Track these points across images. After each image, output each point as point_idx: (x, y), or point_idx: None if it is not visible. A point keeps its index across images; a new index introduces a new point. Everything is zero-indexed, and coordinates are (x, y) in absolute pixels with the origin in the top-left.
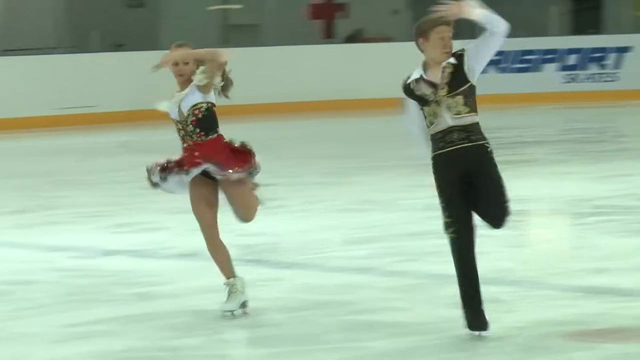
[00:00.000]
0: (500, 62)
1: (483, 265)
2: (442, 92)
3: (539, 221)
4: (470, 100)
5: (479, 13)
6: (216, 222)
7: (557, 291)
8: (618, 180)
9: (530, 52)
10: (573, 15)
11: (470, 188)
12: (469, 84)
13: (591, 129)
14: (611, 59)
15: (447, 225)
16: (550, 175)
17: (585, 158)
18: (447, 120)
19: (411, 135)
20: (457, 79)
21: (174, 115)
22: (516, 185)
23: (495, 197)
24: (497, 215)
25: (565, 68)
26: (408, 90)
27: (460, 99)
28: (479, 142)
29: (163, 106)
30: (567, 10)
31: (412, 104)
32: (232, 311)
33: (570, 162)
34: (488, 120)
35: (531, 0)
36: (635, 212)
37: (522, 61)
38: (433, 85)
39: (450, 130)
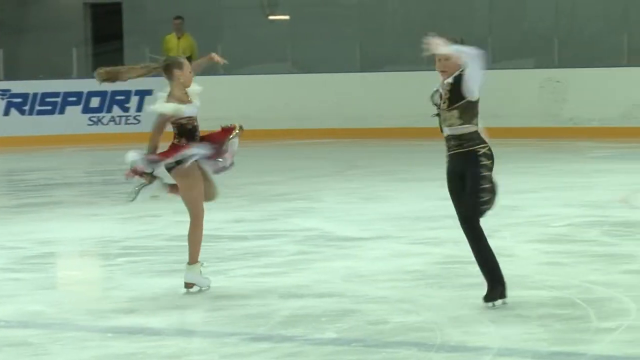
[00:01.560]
0: (23, 104)
1: (10, 309)
2: (444, 105)
3: (68, 263)
4: (466, 114)
5: (446, 50)
6: None
7: (88, 332)
8: (144, 221)
9: (54, 94)
10: (95, 58)
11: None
12: (465, 100)
13: (116, 171)
14: (133, 101)
15: None
16: (77, 217)
17: (112, 200)
18: (445, 129)
19: None
20: (455, 95)
21: (194, 113)
22: (43, 229)
23: (470, 189)
24: (467, 206)
25: (89, 110)
26: (431, 97)
27: (455, 112)
28: (470, 149)
29: (172, 108)
30: (90, 53)
31: None
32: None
33: (97, 204)
34: (13, 163)
35: (54, 42)
36: (161, 253)
37: (46, 103)
38: (441, 98)
39: (448, 137)
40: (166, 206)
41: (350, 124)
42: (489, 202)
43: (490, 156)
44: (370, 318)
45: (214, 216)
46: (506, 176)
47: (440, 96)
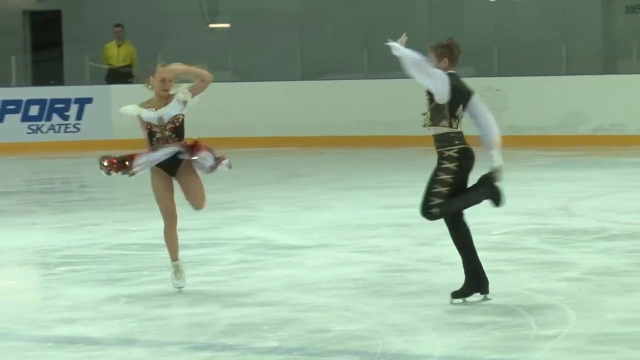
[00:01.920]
0: None
1: None
2: (425, 108)
3: (7, 272)
4: (436, 116)
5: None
6: (175, 209)
7: (28, 342)
8: (84, 230)
9: None
10: (35, 66)
11: None
12: (433, 103)
13: (56, 180)
14: (73, 110)
15: None
16: (17, 226)
17: (51, 208)
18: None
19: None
20: (429, 98)
21: (153, 120)
22: None
23: (425, 189)
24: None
25: (29, 119)
26: None
27: (428, 114)
28: (438, 150)
29: (128, 110)
30: (29, 61)
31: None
32: (181, 287)
33: (37, 212)
34: None
35: None
36: (101, 262)
37: None
38: None
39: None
40: (106, 215)
41: (291, 132)
42: (435, 207)
43: (455, 159)
44: (312, 326)
45: (155, 224)
46: None
47: None
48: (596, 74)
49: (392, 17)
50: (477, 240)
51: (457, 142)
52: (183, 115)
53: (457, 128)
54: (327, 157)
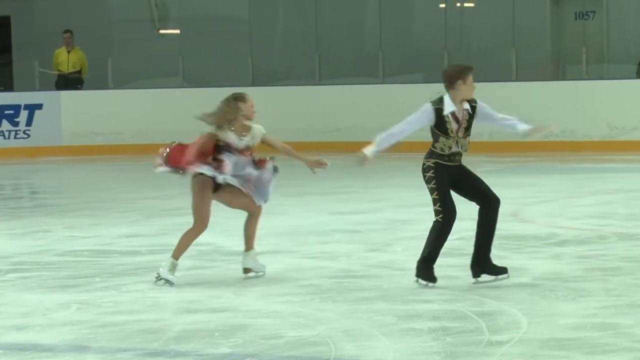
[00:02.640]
0: None
1: None
2: None
3: None
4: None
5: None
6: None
7: None
8: (35, 237)
9: None
10: None
11: None
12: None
13: (6, 186)
14: (23, 116)
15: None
16: None
17: (1, 215)
18: None
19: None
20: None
21: (234, 143)
22: None
23: None
24: None
25: None
26: None
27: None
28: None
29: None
30: None
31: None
32: (169, 280)
33: None
34: None
35: None
36: (52, 269)
37: None
38: None
39: None
40: (56, 221)
41: None
42: (437, 213)
43: (426, 169)
44: (264, 333)
45: (106, 231)
46: (400, 190)
47: None
48: (546, 80)
49: (342, 24)
50: None
51: (426, 155)
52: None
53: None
54: (279, 162)
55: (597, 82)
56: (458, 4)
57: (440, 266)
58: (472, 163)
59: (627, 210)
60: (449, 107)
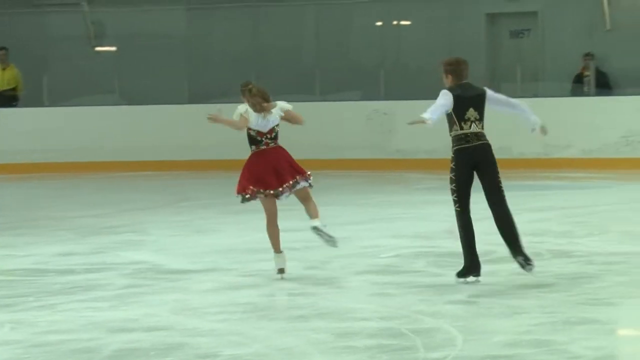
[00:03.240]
0: None
1: None
2: None
3: None
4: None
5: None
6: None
7: None
8: None
9: None
10: None
11: None
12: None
13: None
14: None
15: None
16: None
17: None
18: None
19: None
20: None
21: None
22: None
23: None
24: None
25: None
26: None
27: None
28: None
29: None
30: None
31: None
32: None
33: None
34: None
35: None
36: None
37: None
38: None
39: None
40: None
41: (179, 156)
42: (454, 203)
43: (451, 160)
44: (200, 351)
45: (42, 250)
46: (335, 207)
47: None
48: None
49: (280, 40)
50: (365, 263)
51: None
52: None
53: (468, 129)
54: (216, 180)
55: (531, 100)
56: (394, 22)
57: (376, 283)
58: (409, 180)
59: (561, 228)
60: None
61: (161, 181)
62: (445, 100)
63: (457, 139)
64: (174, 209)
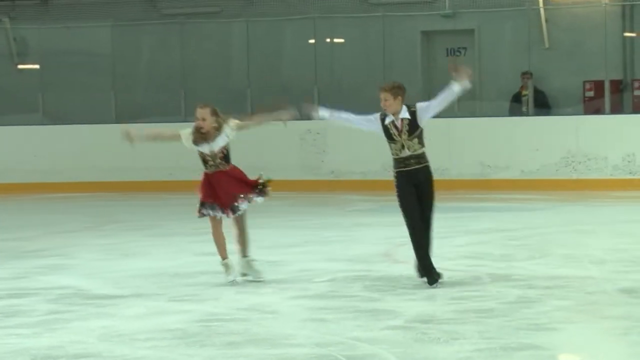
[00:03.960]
0: None
1: None
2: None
3: None
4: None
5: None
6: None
7: None
8: None
9: None
10: None
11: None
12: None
13: None
14: None
15: None
16: None
17: None
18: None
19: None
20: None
21: (206, 150)
22: None
23: None
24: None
25: None
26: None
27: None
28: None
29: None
30: None
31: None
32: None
33: None
34: None
35: None
36: None
37: None
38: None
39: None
40: None
41: (105, 177)
42: (405, 222)
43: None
44: None
45: None
46: (269, 231)
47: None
48: None
49: (209, 58)
50: (299, 287)
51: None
52: (228, 144)
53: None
54: (142, 202)
55: (469, 120)
56: (328, 40)
57: (310, 309)
58: (343, 202)
59: (500, 251)
60: (389, 118)
61: (87, 203)
62: (369, 125)
63: (396, 163)
64: (101, 231)
